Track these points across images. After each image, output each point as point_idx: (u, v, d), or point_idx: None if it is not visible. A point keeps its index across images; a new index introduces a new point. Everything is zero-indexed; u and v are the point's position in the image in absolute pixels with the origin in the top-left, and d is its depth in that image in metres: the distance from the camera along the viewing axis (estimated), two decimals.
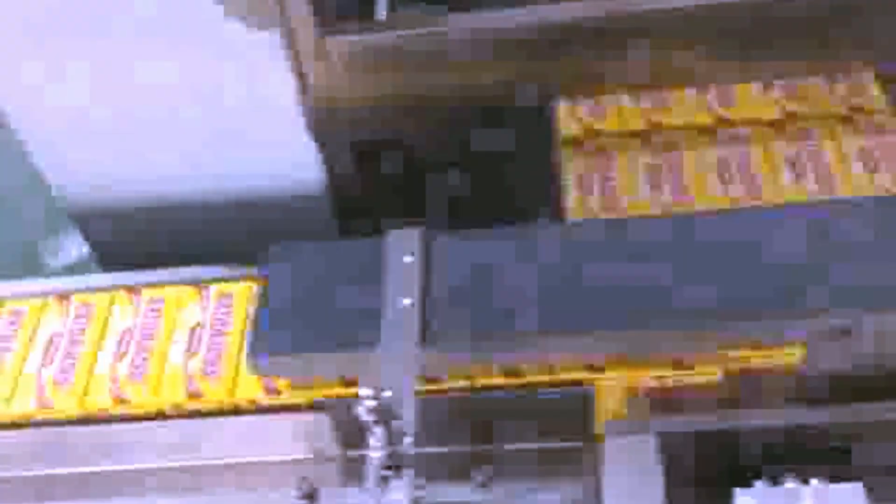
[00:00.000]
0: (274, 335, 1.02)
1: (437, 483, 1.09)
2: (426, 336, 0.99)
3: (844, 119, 1.27)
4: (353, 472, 1.09)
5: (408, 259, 1.06)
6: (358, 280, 1.06)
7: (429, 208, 1.39)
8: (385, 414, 0.86)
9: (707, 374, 1.04)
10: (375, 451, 0.87)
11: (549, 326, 0.98)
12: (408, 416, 0.91)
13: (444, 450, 1.11)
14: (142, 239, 1.43)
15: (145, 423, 1.16)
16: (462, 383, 1.06)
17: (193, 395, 1.14)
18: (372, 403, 0.81)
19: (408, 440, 0.87)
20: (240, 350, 1.15)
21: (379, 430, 0.85)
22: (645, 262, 1.03)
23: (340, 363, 1.00)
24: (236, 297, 1.22)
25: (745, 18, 1.26)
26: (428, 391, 1.05)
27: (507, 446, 1.11)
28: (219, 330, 1.19)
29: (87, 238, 1.46)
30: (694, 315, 0.98)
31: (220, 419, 1.13)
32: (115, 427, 1.17)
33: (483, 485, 1.10)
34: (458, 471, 1.10)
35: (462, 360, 1.01)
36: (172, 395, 1.14)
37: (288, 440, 1.13)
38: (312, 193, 1.37)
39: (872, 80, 1.31)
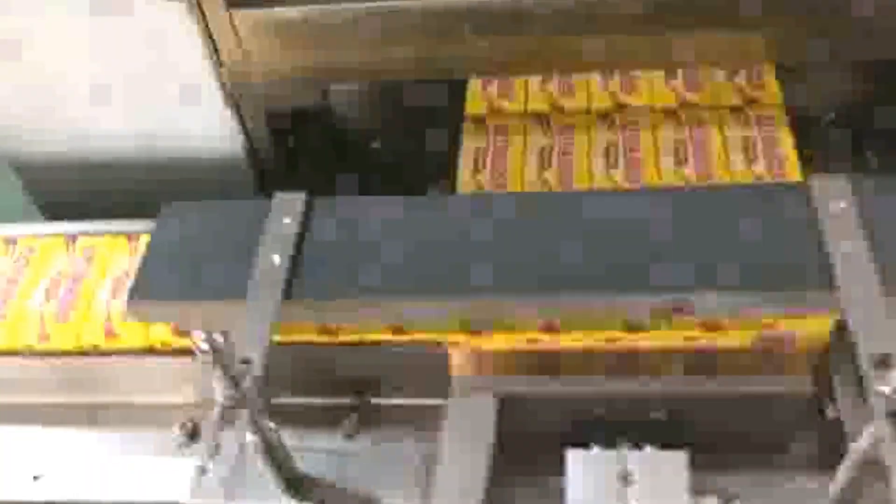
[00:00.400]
0: (152, 283, 1.10)
1: (306, 431, 1.19)
2: (289, 290, 1.06)
3: (737, 110, 1.31)
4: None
5: (286, 220, 1.13)
6: (238, 238, 1.13)
7: (341, 178, 1.45)
8: (227, 357, 0.93)
9: (550, 341, 1.09)
10: (218, 391, 0.94)
11: (400, 289, 1.05)
12: (258, 361, 0.98)
13: (314, 401, 1.20)
14: (82, 192, 1.51)
15: (63, 359, 1.25)
16: (329, 338, 1.13)
17: (110, 335, 1.22)
18: (205, 346, 0.88)
19: (248, 383, 0.94)
20: None
21: (218, 372, 0.92)
22: (503, 235, 1.09)
23: (208, 312, 1.07)
24: None
25: (654, 5, 1.30)
26: (296, 342, 1.13)
27: (374, 400, 1.19)
28: None
29: (30, 190, 1.56)
30: (536, 287, 1.04)
31: (113, 358, 1.22)
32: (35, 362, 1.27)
33: (349, 435, 1.18)
34: (326, 421, 1.19)
35: (321, 314, 1.08)
36: (92, 335, 1.23)
37: (178, 383, 1.22)
38: (235, 161, 1.45)
39: (773, 75, 1.35)
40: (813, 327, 1.06)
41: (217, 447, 0.92)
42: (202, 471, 0.92)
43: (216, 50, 1.29)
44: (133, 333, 1.21)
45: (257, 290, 1.06)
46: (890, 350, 0.85)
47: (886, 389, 0.85)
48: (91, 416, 1.26)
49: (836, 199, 1.05)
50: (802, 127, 1.41)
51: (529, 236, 1.09)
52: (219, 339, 0.89)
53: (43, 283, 1.30)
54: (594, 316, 1.05)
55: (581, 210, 1.12)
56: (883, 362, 0.87)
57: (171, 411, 1.22)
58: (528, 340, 1.09)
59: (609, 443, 1.05)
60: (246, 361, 0.98)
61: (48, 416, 1.27)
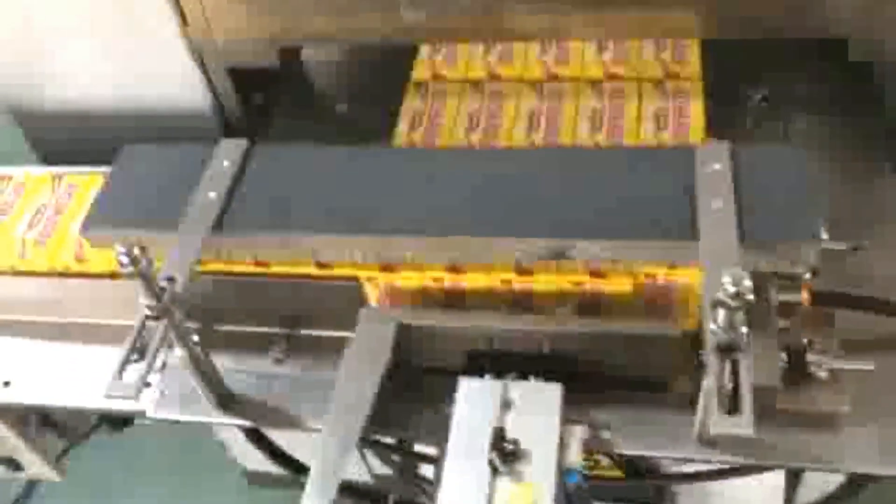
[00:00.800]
0: (103, 214, 1.25)
1: (241, 355, 1.32)
2: (220, 223, 1.20)
3: (657, 82, 1.41)
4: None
5: (226, 163, 1.27)
6: (185, 177, 1.27)
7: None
8: (146, 270, 1.06)
9: (452, 280, 1.21)
10: (140, 302, 1.08)
11: (316, 227, 1.18)
12: (181, 280, 1.12)
13: (249, 329, 1.34)
14: (72, 141, 1.66)
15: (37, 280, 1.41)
16: (262, 269, 1.26)
17: (80, 260, 1.38)
18: (124, 259, 1.02)
19: (169, 297, 1.08)
20: None
21: (140, 283, 1.06)
22: (417, 184, 1.21)
23: (149, 240, 1.20)
24: None
25: None
26: (235, 273, 1.27)
27: (301, 331, 1.33)
28: None
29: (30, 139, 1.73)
30: (437, 228, 1.16)
31: (76, 281, 1.37)
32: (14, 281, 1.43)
33: (278, 361, 1.32)
34: (259, 348, 1.33)
35: (246, 246, 1.22)
36: (64, 259, 1.38)
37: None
38: (205, 116, 1.58)
39: (696, 50, 1.44)
40: (691, 278, 1.15)
41: (134, 351, 1.06)
42: (119, 373, 1.06)
43: (179, 5, 1.42)
44: (100, 259, 1.36)
45: (190, 220, 1.20)
46: (720, 294, 0.95)
47: (713, 326, 0.96)
48: (59, 331, 1.42)
49: (713, 161, 1.15)
50: (732, 104, 1.51)
51: (439, 185, 1.21)
52: (138, 253, 1.03)
53: (27, 213, 1.46)
54: (488, 257, 1.16)
55: (488, 164, 1.24)
56: (716, 304, 0.97)
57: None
58: (434, 279, 1.21)
59: (500, 374, 1.17)
60: (170, 279, 1.12)
61: (21, 330, 1.44)
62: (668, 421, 1.17)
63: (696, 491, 1.72)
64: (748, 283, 0.90)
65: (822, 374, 1.12)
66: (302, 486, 1.07)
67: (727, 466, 1.32)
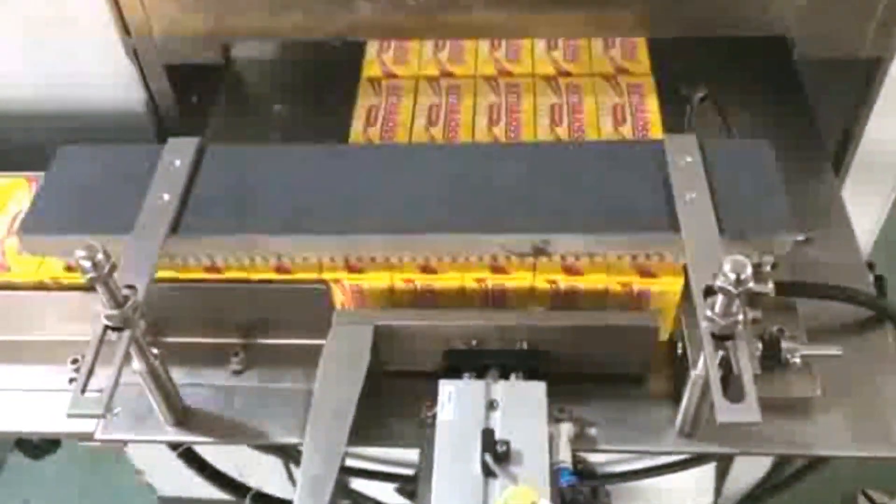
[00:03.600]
0: (44, 218, 1.15)
1: (196, 368, 1.24)
2: (176, 226, 1.12)
3: (609, 78, 1.42)
4: None
5: (177, 162, 1.19)
6: (130, 178, 1.18)
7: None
8: (109, 278, 0.98)
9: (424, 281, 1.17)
10: (101, 311, 0.99)
11: (277, 227, 1.12)
12: (142, 288, 1.04)
13: (204, 340, 1.25)
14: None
15: None
16: (217, 276, 1.19)
17: (3, 269, 1.25)
18: (86, 263, 0.93)
19: (130, 306, 1.00)
20: None
21: (101, 290, 0.97)
22: (381, 181, 1.17)
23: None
24: None
25: None
26: (186, 280, 1.19)
27: (261, 340, 1.26)
28: None
29: None
30: (407, 227, 1.12)
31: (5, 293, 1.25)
32: None
33: (237, 372, 1.24)
34: (216, 359, 1.25)
35: (205, 249, 1.14)
36: None
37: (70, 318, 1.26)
38: (138, 116, 1.48)
39: (644, 47, 1.47)
40: (665, 286, 1.15)
41: (94, 364, 0.97)
42: (82, 387, 0.97)
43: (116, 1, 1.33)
44: (26, 269, 1.24)
45: (145, 224, 1.12)
46: (719, 282, 0.95)
47: (709, 313, 0.96)
48: None
49: (684, 154, 1.16)
50: (675, 103, 1.54)
51: (409, 182, 1.17)
52: (101, 257, 0.94)
53: None
54: (464, 255, 1.13)
55: (457, 161, 1.21)
56: (709, 291, 0.98)
57: (64, 347, 1.26)
58: (406, 280, 1.16)
59: (480, 374, 1.14)
60: (130, 287, 1.03)
61: None
62: (651, 414, 1.17)
63: (630, 487, 1.74)
64: (750, 270, 0.91)
65: (796, 361, 1.15)
66: None
67: (663, 463, 1.35)
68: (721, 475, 1.67)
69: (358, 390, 1.08)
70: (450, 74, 1.45)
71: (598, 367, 1.18)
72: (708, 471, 1.60)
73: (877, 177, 1.52)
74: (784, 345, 1.15)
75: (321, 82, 1.65)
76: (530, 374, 1.14)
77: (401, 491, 1.51)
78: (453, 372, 1.14)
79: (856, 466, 2.28)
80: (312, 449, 1.03)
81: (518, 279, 1.15)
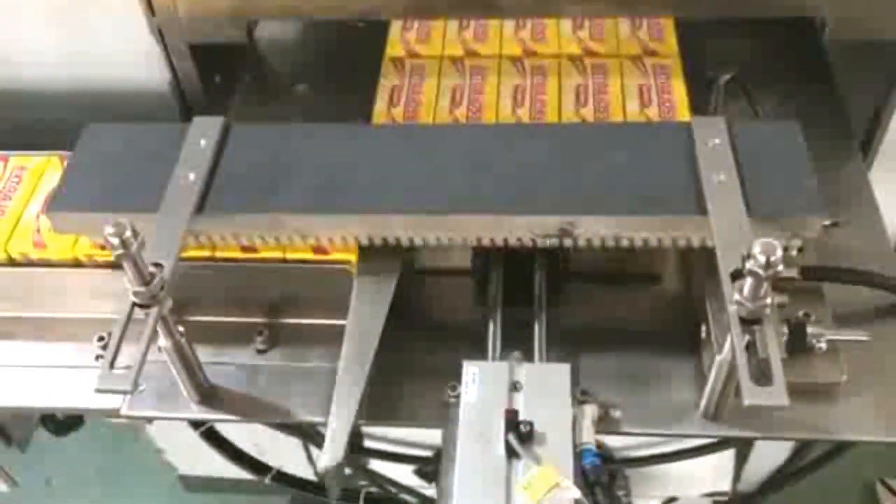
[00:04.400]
0: (70, 196, 1.15)
1: (221, 346, 1.25)
2: (202, 204, 1.12)
3: (635, 59, 1.40)
4: None
5: (203, 142, 1.19)
6: (156, 157, 1.18)
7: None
8: (138, 255, 0.98)
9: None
10: (129, 288, 1.00)
11: (300, 206, 1.12)
12: (168, 266, 1.04)
13: (229, 319, 1.26)
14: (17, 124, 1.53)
15: None
16: (245, 255, 1.19)
17: (38, 245, 1.25)
18: (115, 240, 0.94)
19: (157, 283, 1.00)
20: None
21: (129, 267, 0.98)
22: (405, 161, 1.17)
23: None
24: None
25: None
26: (218, 259, 1.19)
27: (285, 319, 1.26)
28: None
29: None
30: (431, 208, 1.12)
31: (33, 270, 1.25)
32: None
33: (261, 351, 1.25)
34: (240, 337, 1.25)
35: (229, 227, 1.14)
36: (21, 245, 1.25)
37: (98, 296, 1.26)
38: (163, 96, 1.49)
39: (671, 28, 1.45)
40: None
41: (122, 340, 0.98)
42: (110, 363, 0.97)
43: None
44: (62, 246, 1.24)
45: (171, 203, 1.12)
46: (749, 265, 0.94)
47: (737, 296, 0.95)
48: (13, 326, 1.30)
49: (712, 136, 1.15)
50: (701, 86, 1.53)
51: (432, 162, 1.17)
52: (129, 235, 0.94)
53: None
54: (489, 235, 1.13)
55: (483, 141, 1.20)
56: (737, 274, 0.97)
57: (93, 325, 1.26)
58: None
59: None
60: (157, 265, 1.04)
61: None
62: (673, 397, 1.17)
63: (646, 472, 1.74)
64: (780, 252, 0.90)
65: (822, 346, 1.14)
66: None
67: (683, 448, 1.35)
68: (740, 461, 1.67)
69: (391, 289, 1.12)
70: (474, 54, 1.44)
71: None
72: (727, 456, 1.59)
73: None
74: (810, 330, 1.14)
75: (344, 62, 1.64)
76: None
77: (419, 472, 1.52)
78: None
79: (874, 455, 2.27)
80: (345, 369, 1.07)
81: None
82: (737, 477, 1.72)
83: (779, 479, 1.73)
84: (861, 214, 1.37)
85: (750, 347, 0.98)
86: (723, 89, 1.53)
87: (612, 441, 1.39)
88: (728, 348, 1.02)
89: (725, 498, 1.73)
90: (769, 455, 1.68)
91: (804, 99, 1.53)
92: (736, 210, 1.06)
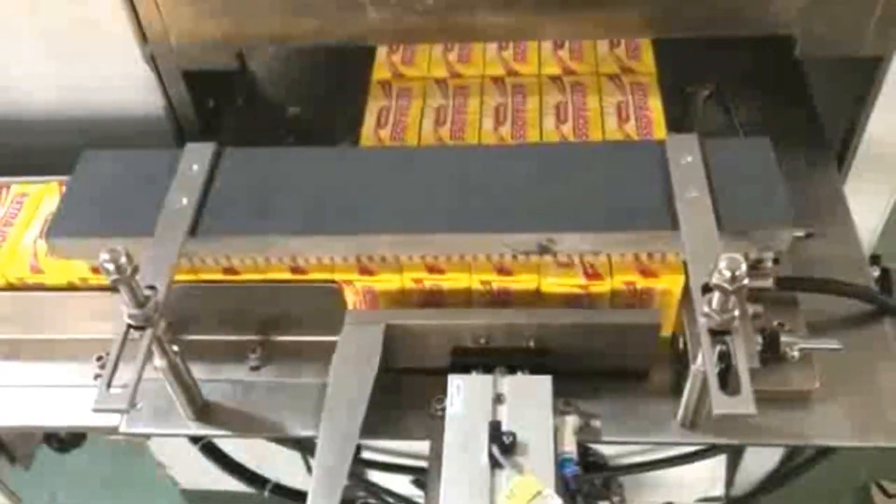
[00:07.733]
0: (68, 221, 1.20)
1: (215, 364, 1.29)
2: (195, 228, 1.17)
3: (614, 77, 1.45)
4: None
5: (195, 167, 1.23)
6: (151, 182, 1.23)
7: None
8: (132, 279, 1.02)
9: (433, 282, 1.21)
10: (124, 311, 1.04)
11: (293, 228, 1.16)
12: (162, 289, 1.08)
13: (222, 337, 1.30)
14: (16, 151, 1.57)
15: None
16: (237, 277, 1.23)
17: (35, 271, 1.30)
18: (110, 266, 0.98)
19: (152, 306, 1.04)
20: None
21: (124, 291, 1.02)
22: (392, 183, 1.21)
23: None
24: None
25: None
26: (205, 281, 1.24)
27: (277, 337, 1.30)
28: None
29: None
30: (417, 227, 1.16)
31: (34, 294, 1.30)
32: None
33: (255, 367, 1.29)
34: (234, 355, 1.29)
35: (222, 250, 1.19)
36: (18, 270, 1.30)
37: (96, 318, 1.31)
38: (157, 121, 1.53)
39: (649, 47, 1.49)
40: (667, 284, 1.19)
41: (118, 361, 1.02)
42: (107, 383, 1.01)
43: (133, 5, 1.38)
44: (57, 271, 1.29)
45: (165, 227, 1.16)
46: (715, 279, 0.98)
47: (706, 308, 0.99)
48: (14, 348, 1.34)
49: (685, 153, 1.19)
50: (680, 102, 1.57)
51: (418, 183, 1.21)
52: (123, 260, 0.99)
53: None
54: (471, 253, 1.17)
55: (465, 162, 1.25)
56: (706, 288, 1.01)
57: (91, 345, 1.31)
58: (414, 280, 1.20)
59: (488, 370, 1.18)
60: (151, 287, 1.08)
61: None
62: (652, 408, 1.21)
63: (641, 478, 1.77)
64: (744, 267, 0.94)
65: (795, 355, 1.18)
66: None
67: (668, 456, 1.38)
68: (732, 466, 1.70)
69: (369, 386, 1.12)
70: (458, 75, 1.49)
71: (602, 362, 1.21)
72: (719, 462, 1.63)
73: (880, 173, 1.54)
74: (784, 339, 1.18)
75: (333, 85, 1.69)
76: (536, 371, 1.17)
77: (416, 483, 1.55)
78: (462, 369, 1.18)
79: (869, 458, 2.30)
80: (326, 441, 1.08)
81: (524, 282, 1.19)
82: (730, 481, 1.76)
83: (771, 482, 1.76)
84: (836, 224, 1.41)
85: (723, 357, 1.02)
86: (701, 105, 1.59)
87: (606, 449, 1.43)
88: (701, 359, 1.06)
89: (720, 502, 1.76)
90: (760, 460, 1.72)
91: (781, 113, 1.58)
92: (706, 225, 1.10)
